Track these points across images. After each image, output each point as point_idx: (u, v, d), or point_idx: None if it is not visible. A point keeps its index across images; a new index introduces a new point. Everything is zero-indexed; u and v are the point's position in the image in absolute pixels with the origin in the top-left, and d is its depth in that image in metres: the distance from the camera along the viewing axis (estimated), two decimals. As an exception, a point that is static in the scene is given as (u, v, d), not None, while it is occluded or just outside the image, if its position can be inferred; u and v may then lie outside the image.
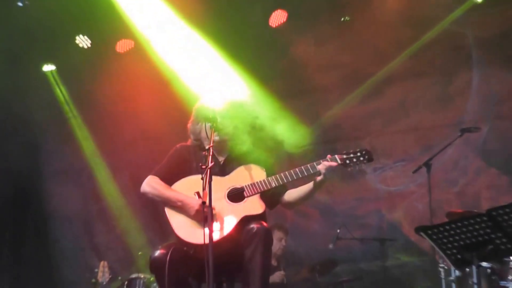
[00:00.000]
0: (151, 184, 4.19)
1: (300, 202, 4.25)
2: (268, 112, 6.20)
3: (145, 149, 7.55)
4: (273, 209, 4.21)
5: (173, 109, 6.63)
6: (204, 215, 3.61)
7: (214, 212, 3.71)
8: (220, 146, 4.21)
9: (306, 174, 4.08)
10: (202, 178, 3.66)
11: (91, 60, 7.18)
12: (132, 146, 7.81)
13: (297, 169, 4.06)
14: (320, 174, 4.01)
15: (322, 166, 4.03)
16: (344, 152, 4.12)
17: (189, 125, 4.34)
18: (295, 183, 4.16)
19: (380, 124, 7.30)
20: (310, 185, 4.14)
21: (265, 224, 3.84)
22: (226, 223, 4.01)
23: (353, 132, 7.35)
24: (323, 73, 7.10)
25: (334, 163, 4.02)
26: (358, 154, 4.19)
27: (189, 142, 4.32)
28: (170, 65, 6.87)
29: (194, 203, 3.93)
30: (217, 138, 4.10)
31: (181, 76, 6.90)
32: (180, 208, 4.02)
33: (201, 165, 3.71)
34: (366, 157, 4.20)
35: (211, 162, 3.67)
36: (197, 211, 3.88)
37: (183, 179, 4.20)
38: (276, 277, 6.34)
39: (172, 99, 6.82)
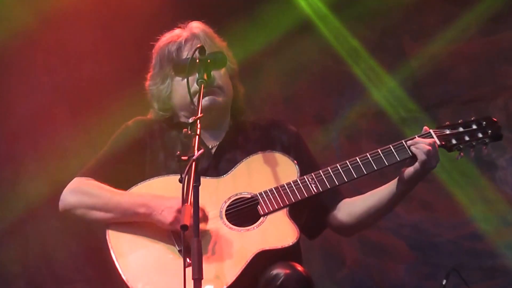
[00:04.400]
0: (79, 189, 3.42)
1: (369, 221, 3.47)
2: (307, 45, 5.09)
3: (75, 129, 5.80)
4: (316, 237, 3.58)
5: (127, 53, 5.39)
6: (185, 247, 2.90)
7: (204, 245, 2.94)
8: (212, 119, 3.47)
9: (386, 163, 3.31)
10: (180, 180, 2.84)
11: None
12: (50, 122, 5.89)
13: (368, 155, 3.31)
14: (411, 162, 3.29)
15: (417, 146, 3.28)
16: (448, 123, 3.41)
17: (148, 82, 3.60)
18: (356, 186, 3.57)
19: (526, 71, 6.02)
20: (389, 187, 3.38)
21: (300, 268, 3.18)
22: (227, 266, 3.19)
23: (471, 87, 5.70)
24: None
25: (433, 142, 3.30)
26: (474, 126, 3.38)
27: (150, 115, 3.62)
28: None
29: (174, 202, 3.19)
30: (207, 101, 3.38)
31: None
32: (142, 222, 3.28)
33: (178, 155, 2.94)
34: (489, 132, 3.36)
35: (198, 149, 2.93)
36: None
37: (141, 184, 3.40)
38: None
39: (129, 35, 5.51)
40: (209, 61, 3.27)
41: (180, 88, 3.48)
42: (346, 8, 5.65)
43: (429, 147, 3.28)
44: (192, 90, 3.35)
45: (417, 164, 3.27)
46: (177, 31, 3.61)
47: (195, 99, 3.26)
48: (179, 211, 3.16)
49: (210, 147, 3.49)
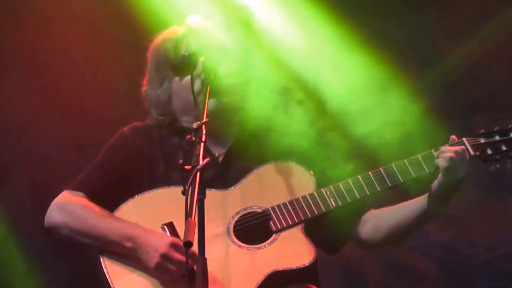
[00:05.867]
0: (67, 207, 3.44)
1: (397, 238, 3.48)
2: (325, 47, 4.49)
3: (68, 133, 5.61)
4: (337, 252, 3.61)
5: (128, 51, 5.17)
6: (188, 272, 2.98)
7: (210, 266, 2.78)
8: (218, 123, 3.43)
9: (413, 175, 3.34)
10: (183, 192, 2.78)
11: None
12: (37, 127, 5.72)
13: (393, 165, 3.35)
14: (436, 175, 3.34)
15: (441, 155, 3.25)
16: (482, 131, 3.40)
17: (144, 88, 3.60)
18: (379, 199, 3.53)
19: None
20: (420, 202, 3.37)
21: None
22: (235, 289, 3.40)
23: (510, 91, 5.48)
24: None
25: (461, 150, 3.29)
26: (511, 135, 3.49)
27: (148, 121, 3.63)
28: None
29: (163, 243, 3.24)
30: (211, 104, 3.31)
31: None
32: (130, 255, 3.31)
33: (181, 164, 2.84)
34: None
35: (203, 158, 2.87)
36: (169, 260, 3.16)
37: (138, 197, 3.44)
38: None
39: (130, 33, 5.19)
40: (215, 58, 3.29)
41: (181, 90, 3.46)
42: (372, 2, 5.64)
43: (452, 154, 3.21)
44: (195, 92, 3.37)
45: (440, 175, 3.23)
46: (172, 28, 3.61)
47: (199, 101, 3.29)
48: (164, 256, 3.18)
49: (216, 155, 3.47)
